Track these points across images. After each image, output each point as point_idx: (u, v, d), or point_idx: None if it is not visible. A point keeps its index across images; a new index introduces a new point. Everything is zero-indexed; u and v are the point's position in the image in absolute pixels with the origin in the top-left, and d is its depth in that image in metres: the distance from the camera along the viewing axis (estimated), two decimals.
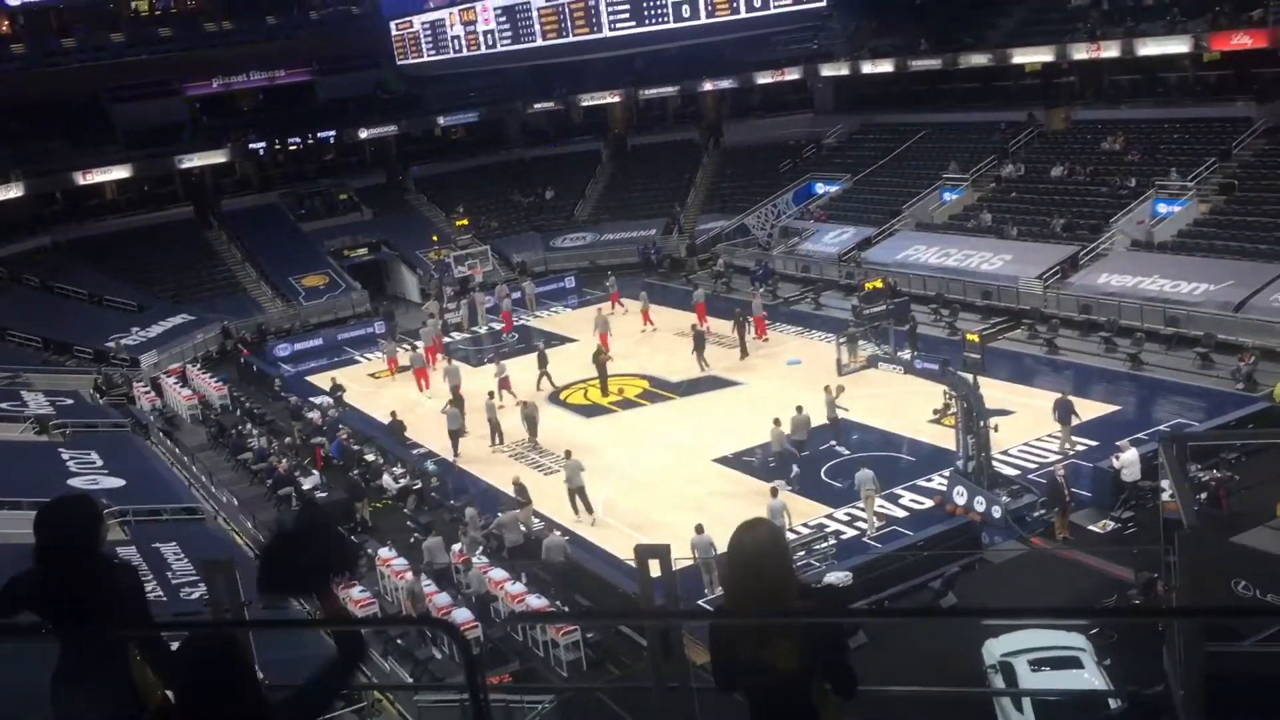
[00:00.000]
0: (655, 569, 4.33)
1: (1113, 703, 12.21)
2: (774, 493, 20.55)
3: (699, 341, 31.81)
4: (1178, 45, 37.74)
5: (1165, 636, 4.02)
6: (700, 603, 17.38)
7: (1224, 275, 29.63)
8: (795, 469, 23.13)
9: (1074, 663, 14.12)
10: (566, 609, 19.10)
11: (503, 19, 45.12)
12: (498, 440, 27.61)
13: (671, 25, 47.15)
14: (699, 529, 19.13)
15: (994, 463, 21.43)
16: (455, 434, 27.45)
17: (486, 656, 18.20)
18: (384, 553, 21.23)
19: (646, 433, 27.54)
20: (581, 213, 50.66)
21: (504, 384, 30.48)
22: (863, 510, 21.19)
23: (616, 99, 53.92)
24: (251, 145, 49.30)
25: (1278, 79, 35.74)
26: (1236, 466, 20.58)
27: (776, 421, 23.80)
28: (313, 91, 52.74)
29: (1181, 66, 39.38)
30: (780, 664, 3.31)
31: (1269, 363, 25.83)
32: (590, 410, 29.43)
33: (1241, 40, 35.75)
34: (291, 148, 50.45)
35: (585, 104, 54.34)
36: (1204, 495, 19.54)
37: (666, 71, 52.76)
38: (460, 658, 3.44)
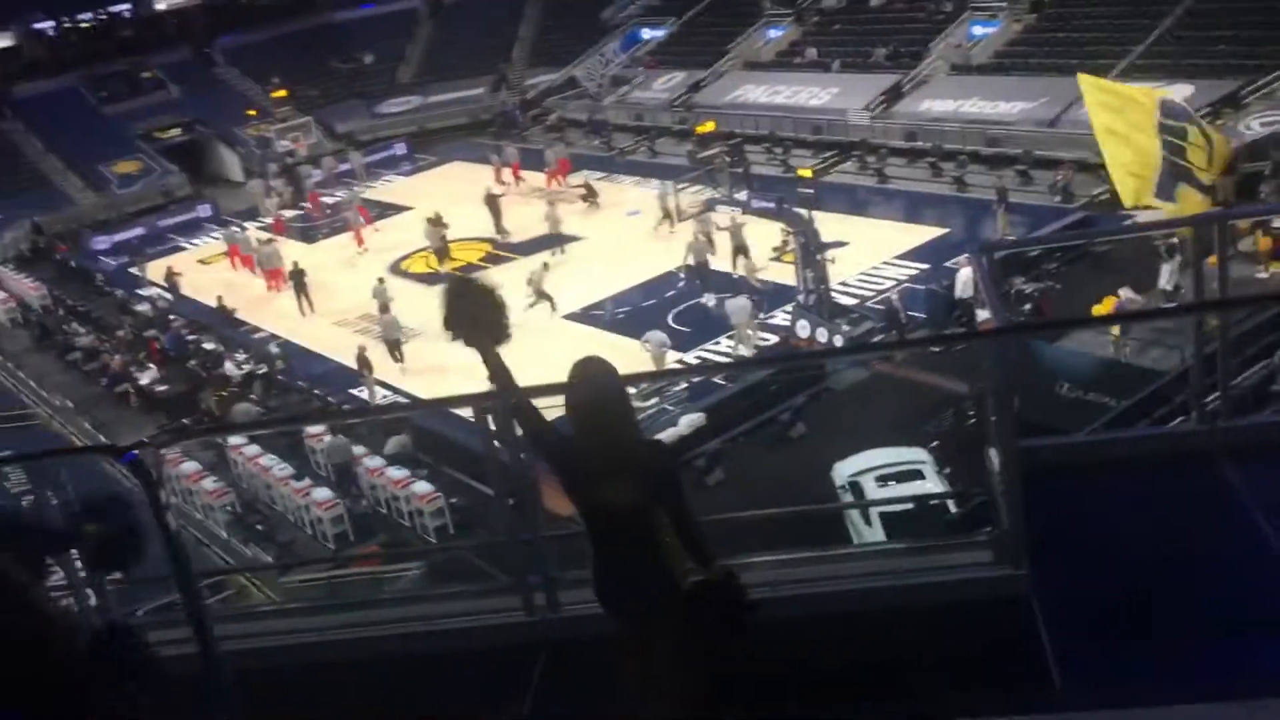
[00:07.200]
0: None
1: (954, 506, 12.95)
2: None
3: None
4: None
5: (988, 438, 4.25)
6: None
7: (1039, 92, 30.52)
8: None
9: (916, 475, 14.90)
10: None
11: None
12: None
13: None
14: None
15: (833, 294, 22.05)
16: (394, 344, 23.75)
17: (352, 532, 18.25)
18: (235, 441, 20.72)
19: None
20: (404, 75, 48.79)
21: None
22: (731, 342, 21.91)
23: None
24: (37, 25, 45.69)
25: None
26: (1057, 276, 21.64)
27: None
28: None
29: None
30: (618, 500, 3.38)
31: (1084, 174, 26.93)
32: (432, 279, 28.82)
33: None
34: (84, 25, 46.94)
35: None
36: (1029, 306, 20.56)
37: None
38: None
